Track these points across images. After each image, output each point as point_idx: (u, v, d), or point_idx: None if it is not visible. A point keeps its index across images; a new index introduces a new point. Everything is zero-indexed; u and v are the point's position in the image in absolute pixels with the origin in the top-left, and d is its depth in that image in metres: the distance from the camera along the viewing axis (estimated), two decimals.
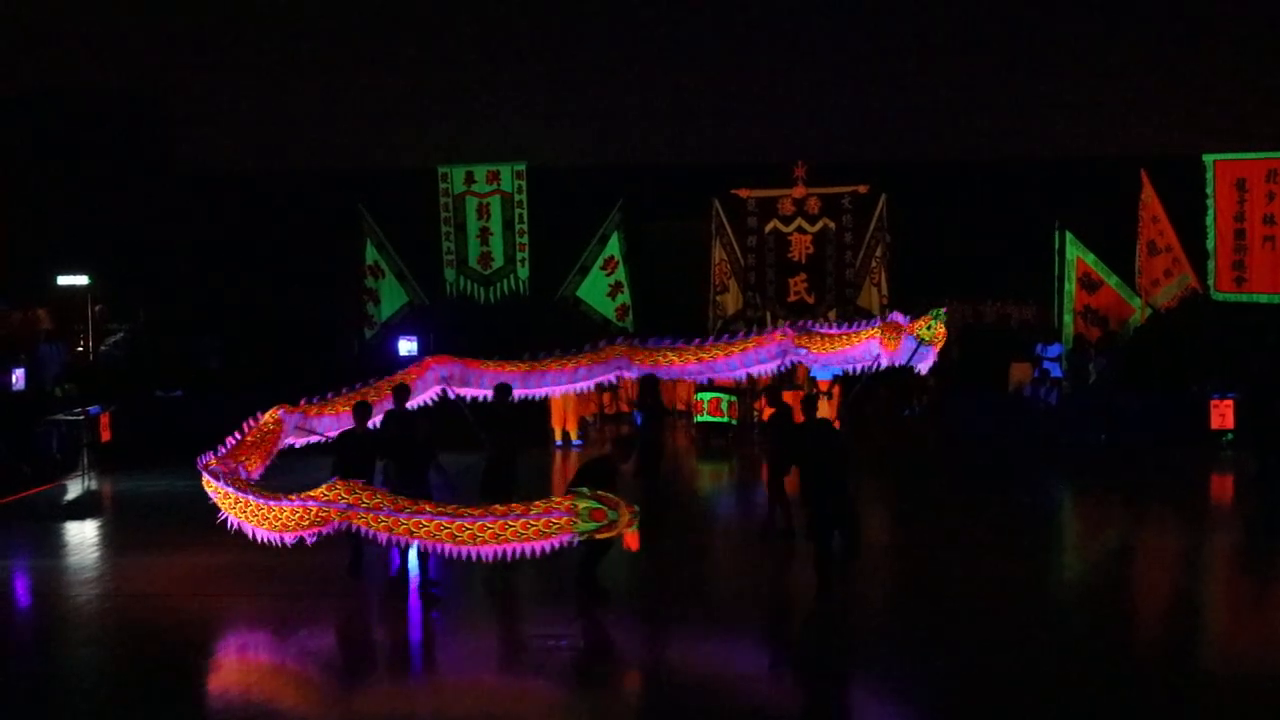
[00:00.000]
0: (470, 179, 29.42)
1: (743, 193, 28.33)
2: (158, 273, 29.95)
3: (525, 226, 29.30)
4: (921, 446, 23.91)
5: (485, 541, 11.89)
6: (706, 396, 23.36)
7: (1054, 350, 24.99)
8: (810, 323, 17.11)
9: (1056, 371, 24.67)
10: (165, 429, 23.94)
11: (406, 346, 27.69)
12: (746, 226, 28.30)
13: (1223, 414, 22.78)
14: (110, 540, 16.78)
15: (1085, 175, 28.12)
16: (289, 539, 12.84)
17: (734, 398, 23.66)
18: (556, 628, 11.79)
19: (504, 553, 12.00)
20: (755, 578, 13.70)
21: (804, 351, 15.93)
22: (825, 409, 23.53)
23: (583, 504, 11.96)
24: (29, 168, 28.33)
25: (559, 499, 12.23)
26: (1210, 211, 25.83)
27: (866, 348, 15.24)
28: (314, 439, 15.53)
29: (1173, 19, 29.86)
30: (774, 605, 13.03)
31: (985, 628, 11.86)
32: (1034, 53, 30.56)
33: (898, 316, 14.86)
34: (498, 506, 12.35)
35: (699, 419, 24.80)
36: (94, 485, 20.44)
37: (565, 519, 11.91)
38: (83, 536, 16.97)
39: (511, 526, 11.94)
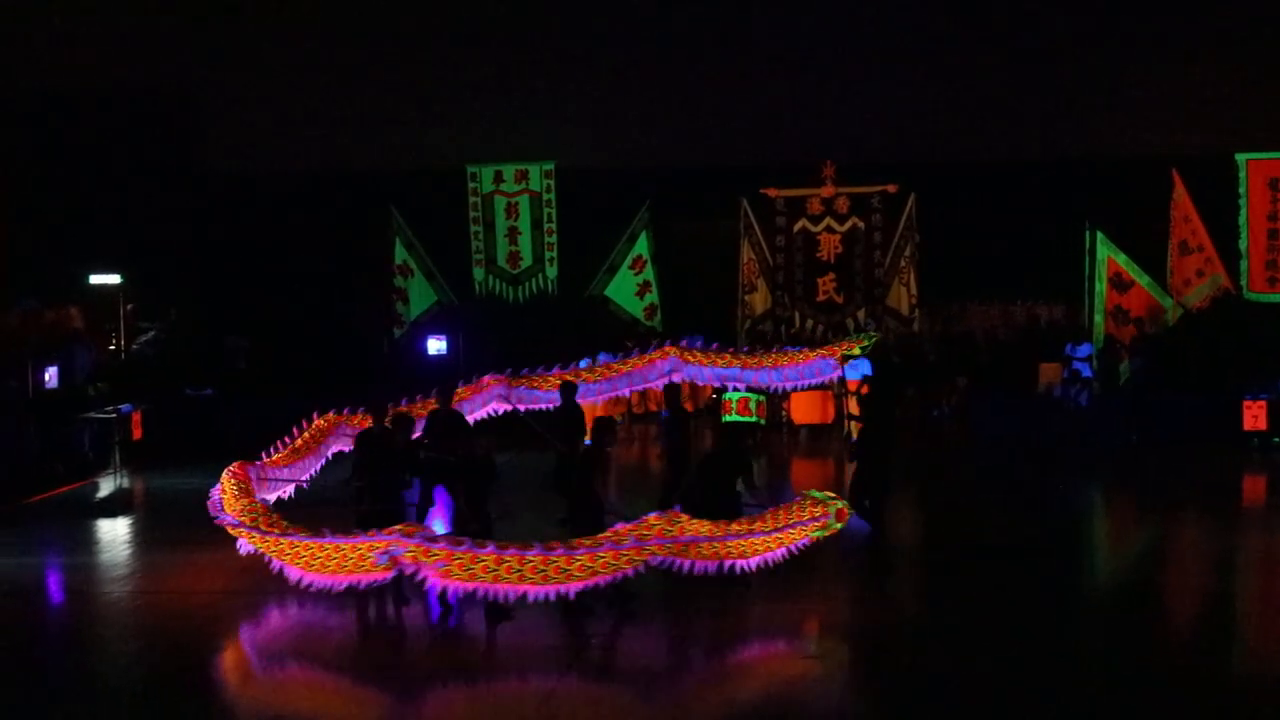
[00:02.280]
0: (499, 178, 29.50)
1: (771, 192, 28.32)
2: (188, 272, 30.10)
3: (554, 226, 29.37)
4: (950, 447, 23.81)
5: (528, 581, 11.36)
6: (735, 396, 23.22)
7: (1084, 350, 24.84)
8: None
9: (1086, 372, 24.53)
10: (195, 427, 24.05)
11: (435, 345, 27.74)
12: (775, 226, 28.28)
13: (1255, 415, 22.58)
14: (141, 537, 16.88)
15: (1116, 174, 27.97)
16: (339, 584, 12.13)
17: (762, 398, 23.55)
18: (588, 627, 11.76)
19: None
20: (791, 577, 13.63)
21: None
22: (854, 409, 23.56)
23: (833, 507, 12.34)
24: (60, 168, 28.49)
25: (804, 506, 12.43)
26: (1243, 211, 25.70)
27: (823, 364, 16.96)
28: (287, 488, 15.25)
29: (1203, 18, 29.66)
30: (807, 603, 12.97)
31: (1014, 628, 11.80)
32: (1064, 52, 30.43)
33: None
34: (735, 525, 12.22)
35: (726, 419, 24.72)
36: (125, 483, 20.56)
37: (816, 524, 12.23)
38: (114, 534, 17.07)
39: (758, 539, 11.97)
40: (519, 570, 11.33)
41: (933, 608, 12.74)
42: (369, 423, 14.13)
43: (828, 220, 28.17)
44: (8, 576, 14.56)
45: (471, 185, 29.50)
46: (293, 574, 12.15)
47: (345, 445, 15.54)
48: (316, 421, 15.76)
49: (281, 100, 32.01)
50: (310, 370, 26.29)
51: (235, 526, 12.77)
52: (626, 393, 18.75)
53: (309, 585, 12.10)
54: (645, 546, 11.63)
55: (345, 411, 15.93)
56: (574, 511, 12.64)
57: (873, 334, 18.72)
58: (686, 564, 11.91)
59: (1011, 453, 22.24)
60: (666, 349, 17.83)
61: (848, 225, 28.10)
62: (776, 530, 12.25)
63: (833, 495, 12.77)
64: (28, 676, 10.99)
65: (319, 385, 23.81)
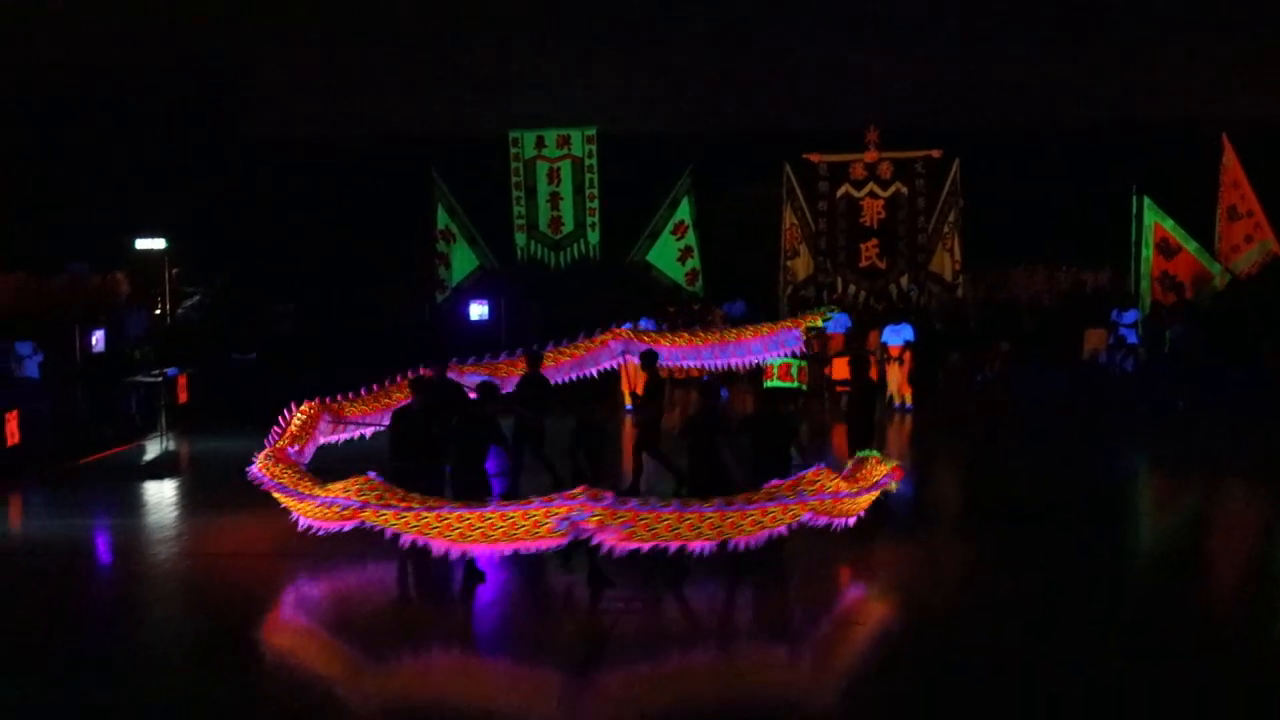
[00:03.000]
0: (541, 144, 29.49)
1: (814, 158, 28.19)
2: (233, 237, 30.29)
3: (596, 191, 29.37)
4: (993, 414, 23.69)
5: (704, 537, 11.43)
6: (776, 362, 23.18)
7: (1130, 316, 24.64)
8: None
9: (1132, 338, 24.33)
10: (240, 392, 24.21)
11: (477, 310, 27.84)
12: (818, 191, 28.15)
13: None
14: (188, 500, 17.04)
15: (1165, 138, 27.68)
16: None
17: (804, 363, 23.50)
18: (627, 593, 11.78)
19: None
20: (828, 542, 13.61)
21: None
22: (896, 374, 23.48)
23: (890, 464, 12.54)
24: (108, 135, 28.72)
25: (871, 468, 12.57)
26: None
27: (787, 335, 17.60)
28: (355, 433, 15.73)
29: None
30: (842, 573, 12.96)
31: (1049, 595, 11.76)
32: (1112, 16, 30.11)
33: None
34: (784, 487, 11.99)
35: (768, 384, 24.68)
36: (172, 446, 20.75)
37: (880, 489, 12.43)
38: (161, 496, 17.24)
39: (750, 514, 11.76)
40: (698, 527, 11.43)
41: (971, 574, 12.68)
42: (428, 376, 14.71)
43: (871, 185, 28.02)
44: (59, 537, 14.77)
45: (514, 150, 29.51)
46: (439, 546, 11.64)
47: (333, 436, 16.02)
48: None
49: (327, 68, 32.16)
50: (353, 335, 26.44)
51: (361, 509, 12.09)
52: (591, 374, 18.47)
53: (464, 555, 11.74)
54: (806, 501, 11.86)
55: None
56: (694, 473, 12.74)
57: (834, 306, 19.01)
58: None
59: (1054, 419, 22.09)
60: (619, 331, 17.88)
61: (891, 190, 27.94)
62: (866, 490, 12.50)
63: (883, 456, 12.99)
64: (78, 637, 11.13)
65: (361, 350, 23.99)
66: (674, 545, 11.38)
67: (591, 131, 29.36)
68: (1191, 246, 25.13)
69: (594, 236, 29.54)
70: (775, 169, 28.21)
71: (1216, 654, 10.23)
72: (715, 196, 29.75)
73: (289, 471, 13.30)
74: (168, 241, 27.94)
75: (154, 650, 10.84)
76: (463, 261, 29.33)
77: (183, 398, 22.49)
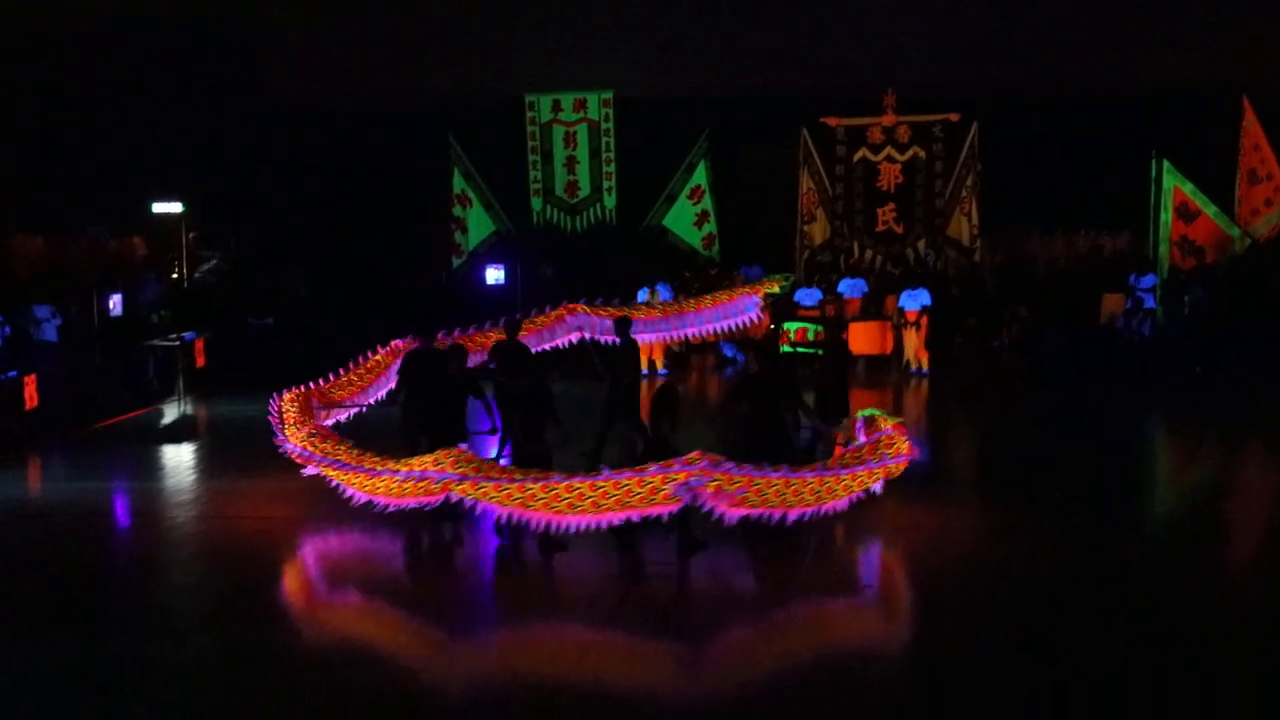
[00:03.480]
0: (557, 107, 29.40)
1: (831, 121, 28.05)
2: (249, 201, 30.29)
3: (612, 155, 29.28)
4: (1011, 379, 23.64)
5: (804, 502, 11.55)
6: (793, 327, 23.20)
7: (1148, 281, 24.52)
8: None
9: (1150, 302, 24.22)
10: (257, 356, 24.27)
11: (494, 275, 27.83)
12: (835, 155, 28.03)
13: None
14: (206, 463, 17.13)
15: (1184, 101, 27.42)
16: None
17: (820, 328, 23.48)
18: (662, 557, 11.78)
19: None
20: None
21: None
22: (913, 339, 23.45)
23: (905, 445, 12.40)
24: (123, 97, 28.69)
25: (892, 440, 12.43)
26: None
27: (745, 302, 17.47)
28: (349, 412, 15.64)
29: None
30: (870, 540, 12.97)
31: (1064, 562, 11.77)
32: None
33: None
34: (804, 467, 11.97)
35: (784, 349, 24.66)
36: (189, 410, 20.82)
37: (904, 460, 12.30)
38: (179, 459, 17.32)
39: (843, 479, 11.82)
40: (801, 493, 11.55)
41: (986, 540, 12.67)
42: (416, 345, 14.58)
43: (888, 149, 27.88)
44: (77, 501, 14.88)
45: (529, 114, 29.43)
46: (538, 519, 11.44)
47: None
48: (380, 351, 15.98)
49: (342, 29, 32.02)
50: (370, 300, 26.46)
51: (457, 482, 11.69)
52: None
53: (567, 528, 11.44)
54: (886, 465, 12.06)
55: (409, 339, 15.95)
56: (755, 435, 12.72)
57: (788, 275, 18.58)
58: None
59: (1072, 384, 22.03)
60: (575, 306, 17.78)
61: (909, 155, 27.81)
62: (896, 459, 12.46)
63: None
64: (96, 599, 11.22)
65: (378, 314, 24.00)
66: (778, 512, 11.42)
67: (608, 95, 29.25)
68: (1211, 210, 24.96)
69: (610, 201, 29.48)
70: (792, 133, 28.07)
71: (1231, 619, 10.24)
72: (732, 161, 29.62)
73: (343, 447, 13.06)
74: (184, 205, 27.97)
75: (173, 612, 10.93)
76: (479, 226, 29.30)
77: (200, 362, 22.55)
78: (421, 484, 11.86)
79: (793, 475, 11.51)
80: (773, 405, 12.77)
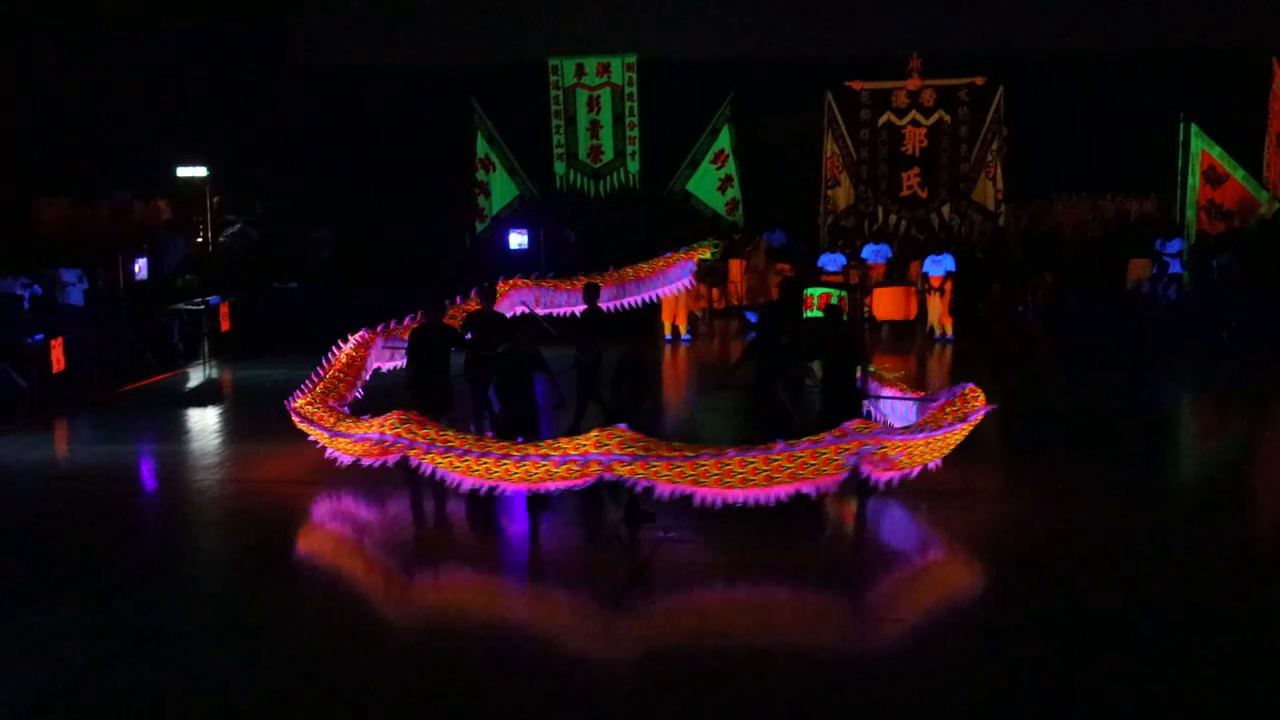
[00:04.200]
0: (581, 71, 29.30)
1: (856, 85, 27.89)
2: (273, 165, 30.32)
3: (636, 120, 29.19)
4: (1036, 344, 23.55)
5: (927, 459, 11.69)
6: (816, 292, 23.13)
7: (1174, 246, 24.37)
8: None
9: (1176, 267, 24.08)
10: (281, 320, 24.37)
11: (517, 240, 27.84)
12: (859, 120, 27.88)
13: None
14: (230, 427, 17.24)
15: (1212, 64, 27.13)
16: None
17: (844, 293, 23.42)
18: (664, 521, 11.79)
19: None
20: None
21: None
22: (937, 304, 23.37)
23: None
24: (148, 60, 28.69)
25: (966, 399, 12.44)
26: None
27: (680, 269, 17.44)
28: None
29: None
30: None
31: (1089, 525, 11.76)
32: None
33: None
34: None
35: (808, 314, 24.61)
36: (214, 374, 20.94)
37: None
38: (204, 423, 17.43)
39: (950, 436, 11.89)
40: (925, 452, 11.80)
41: (1013, 505, 12.65)
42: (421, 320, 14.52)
43: (913, 113, 27.71)
44: (103, 463, 14.99)
45: (553, 79, 29.34)
46: (704, 495, 11.13)
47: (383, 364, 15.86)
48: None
49: None
50: (393, 264, 26.50)
51: (627, 463, 11.16)
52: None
53: (734, 502, 11.19)
54: (969, 423, 12.15)
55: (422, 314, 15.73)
56: (831, 397, 12.76)
57: (717, 242, 18.38)
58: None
59: (1097, 349, 21.94)
60: (516, 281, 17.74)
61: (933, 118, 27.63)
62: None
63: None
64: (121, 561, 11.31)
65: (402, 279, 24.05)
66: (915, 471, 11.68)
67: (632, 59, 29.13)
68: (1239, 174, 24.77)
69: (634, 165, 29.41)
70: (817, 97, 27.91)
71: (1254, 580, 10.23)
72: (756, 125, 29.47)
73: (432, 429, 12.35)
74: (209, 169, 28.01)
75: (198, 574, 11.02)
76: (502, 191, 29.26)
77: (225, 326, 22.66)
78: (588, 465, 11.25)
79: (934, 435, 11.75)
80: (849, 366, 12.76)
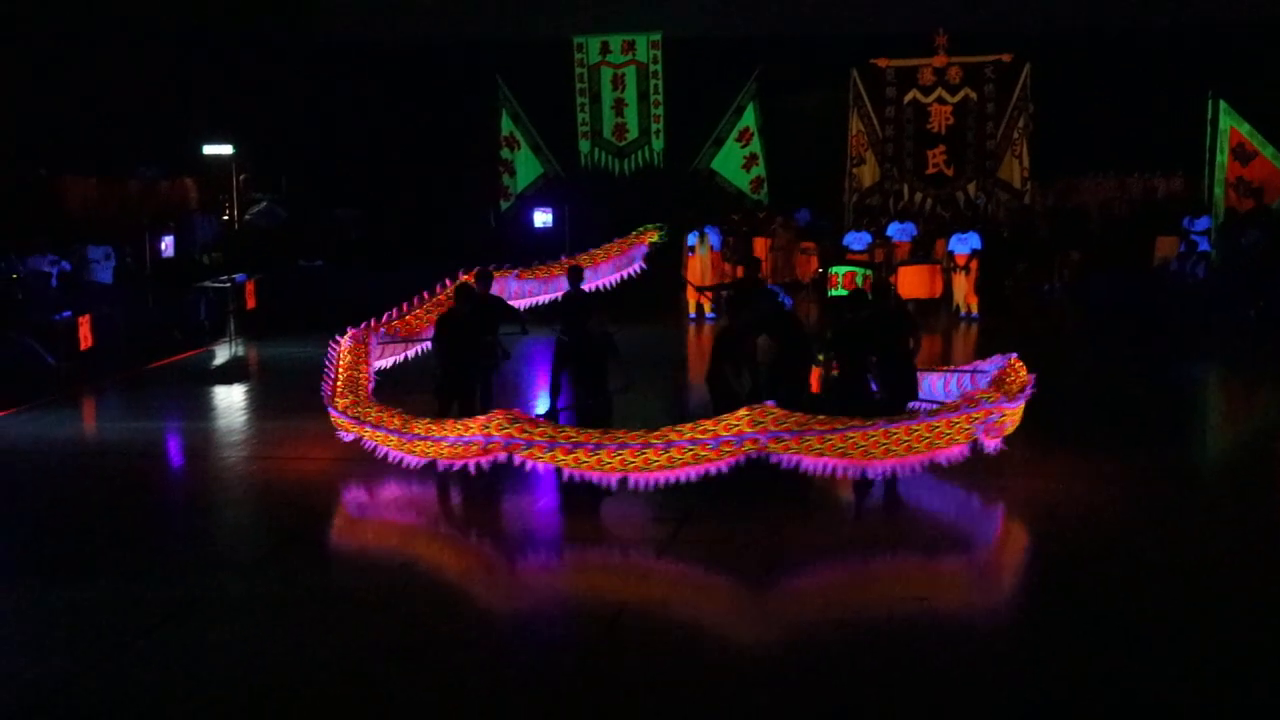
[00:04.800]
0: (605, 49, 29.27)
1: (881, 62, 27.79)
2: (299, 143, 30.39)
3: (660, 98, 29.15)
4: (1062, 323, 23.45)
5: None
6: (841, 270, 23.10)
7: (1202, 224, 24.23)
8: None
9: (1204, 245, 23.93)
10: (307, 298, 24.46)
11: (541, 218, 27.88)
12: (885, 97, 27.78)
13: None
14: (256, 404, 17.31)
15: (1242, 39, 26.90)
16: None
17: (868, 271, 23.38)
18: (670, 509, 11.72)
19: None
20: None
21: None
22: (963, 283, 23.30)
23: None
24: (175, 38, 28.75)
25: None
26: None
27: (635, 253, 17.08)
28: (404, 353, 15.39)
29: None
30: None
31: (1122, 511, 11.73)
32: None
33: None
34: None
35: (832, 293, 24.58)
36: (240, 351, 21.03)
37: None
38: (230, 400, 17.52)
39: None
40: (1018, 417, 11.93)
41: (1029, 483, 12.61)
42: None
43: (939, 91, 27.59)
44: (131, 440, 15.08)
45: (578, 56, 29.31)
46: (848, 467, 11.12)
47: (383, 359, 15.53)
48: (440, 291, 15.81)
49: None
50: (419, 242, 26.55)
51: (773, 441, 10.97)
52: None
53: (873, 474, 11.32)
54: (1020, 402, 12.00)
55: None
56: (890, 374, 12.73)
57: (663, 226, 17.67)
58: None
59: (1124, 328, 21.84)
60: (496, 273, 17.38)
61: (960, 96, 27.51)
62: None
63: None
64: (148, 538, 11.38)
65: (427, 257, 24.10)
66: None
67: (657, 37, 29.08)
68: (1268, 151, 24.55)
69: (658, 144, 29.37)
70: (842, 74, 27.83)
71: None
72: (781, 103, 29.39)
73: (538, 427, 11.68)
74: (235, 147, 28.10)
75: (224, 551, 11.09)
76: (527, 169, 29.27)
77: (251, 303, 22.77)
78: (725, 448, 11.00)
79: (1018, 403, 11.75)
80: (900, 343, 12.78)
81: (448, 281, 15.66)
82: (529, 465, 11.40)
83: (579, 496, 11.56)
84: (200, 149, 28.00)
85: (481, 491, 12.26)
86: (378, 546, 11.45)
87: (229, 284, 22.43)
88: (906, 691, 7.99)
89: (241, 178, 29.21)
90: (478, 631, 9.12)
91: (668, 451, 11.02)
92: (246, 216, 29.21)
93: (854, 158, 27.99)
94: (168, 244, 24.11)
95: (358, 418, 12.70)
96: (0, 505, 12.53)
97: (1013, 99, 27.05)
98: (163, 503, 12.81)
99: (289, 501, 12.34)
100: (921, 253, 24.88)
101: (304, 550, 10.98)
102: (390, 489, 12.60)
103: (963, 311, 23.23)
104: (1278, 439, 15.40)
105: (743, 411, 11.10)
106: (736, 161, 28.72)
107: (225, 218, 28.98)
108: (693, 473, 11.04)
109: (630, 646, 8.80)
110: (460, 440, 11.72)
